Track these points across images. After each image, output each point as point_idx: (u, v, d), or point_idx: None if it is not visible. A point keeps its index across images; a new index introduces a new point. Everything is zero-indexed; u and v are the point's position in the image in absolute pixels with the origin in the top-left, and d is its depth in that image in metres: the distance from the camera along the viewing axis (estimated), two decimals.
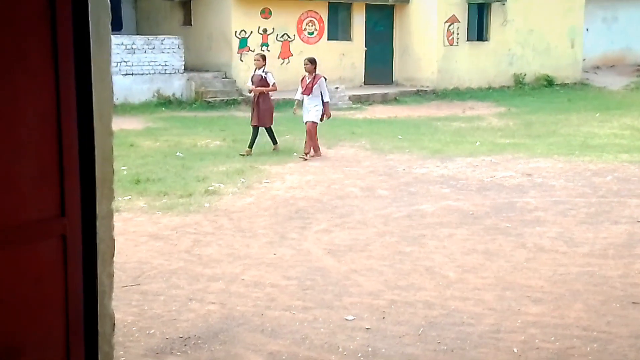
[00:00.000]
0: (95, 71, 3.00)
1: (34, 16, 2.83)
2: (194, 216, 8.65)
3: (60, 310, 2.94)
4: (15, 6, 2.77)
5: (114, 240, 3.15)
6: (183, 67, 20.76)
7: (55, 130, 2.87)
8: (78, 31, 2.96)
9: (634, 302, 5.96)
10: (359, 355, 4.97)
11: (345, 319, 5.61)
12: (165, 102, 19.65)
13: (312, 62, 12.96)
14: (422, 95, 22.70)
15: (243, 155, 12.61)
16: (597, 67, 28.36)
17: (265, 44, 21.74)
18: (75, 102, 2.93)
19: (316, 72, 12.88)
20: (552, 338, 5.26)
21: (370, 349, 5.06)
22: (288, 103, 19.78)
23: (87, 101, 2.97)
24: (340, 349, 5.06)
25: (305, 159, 12.33)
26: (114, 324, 3.22)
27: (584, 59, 27.02)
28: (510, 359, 4.94)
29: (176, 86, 20.36)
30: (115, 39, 18.98)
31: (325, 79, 13.08)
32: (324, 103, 12.74)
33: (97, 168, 2.99)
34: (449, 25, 23.49)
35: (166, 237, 7.81)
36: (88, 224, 3.00)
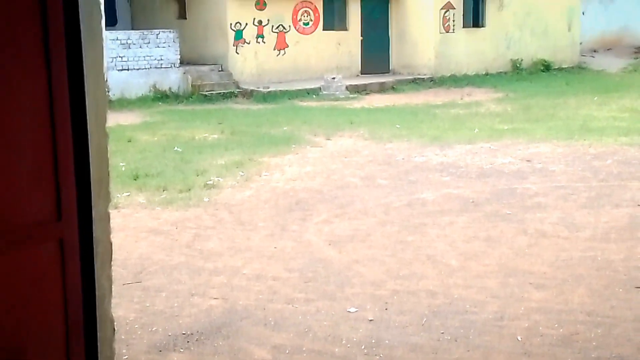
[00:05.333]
0: (88, 68, 2.95)
1: (25, 12, 2.77)
2: (194, 210, 8.62)
3: (60, 314, 2.91)
4: (4, 2, 2.72)
5: (112, 243, 3.12)
6: (179, 61, 20.69)
7: (49, 131, 2.82)
8: (70, 27, 2.91)
9: (637, 287, 5.95)
10: (363, 346, 4.96)
11: (348, 311, 5.59)
12: (162, 96, 19.58)
13: None
14: (419, 82, 22.61)
15: None
16: (595, 50, 28.21)
17: (260, 35, 21.65)
18: (69, 101, 2.89)
19: None
20: (556, 324, 5.25)
21: (374, 340, 5.05)
22: (285, 94, 19.79)
23: (81, 100, 2.93)
24: (344, 341, 5.05)
25: None
26: (114, 328, 3.19)
27: (581, 43, 26.88)
28: (514, 346, 4.92)
29: (172, 80, 20.29)
30: (110, 34, 18.87)
31: None
32: None
33: (92, 169, 2.95)
34: (445, 12, 23.39)
35: (166, 232, 7.78)
36: (85, 226, 2.96)
